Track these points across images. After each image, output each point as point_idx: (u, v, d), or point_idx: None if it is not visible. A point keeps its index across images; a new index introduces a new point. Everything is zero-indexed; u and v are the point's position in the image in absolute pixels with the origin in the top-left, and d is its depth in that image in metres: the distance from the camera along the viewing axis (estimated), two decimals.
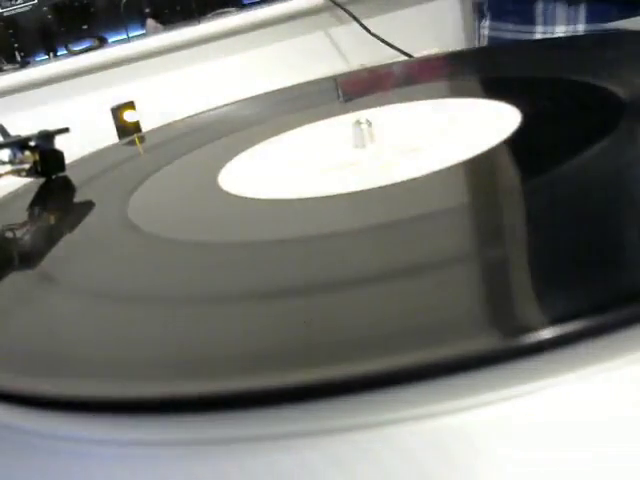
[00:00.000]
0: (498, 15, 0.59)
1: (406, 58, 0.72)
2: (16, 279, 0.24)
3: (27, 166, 0.36)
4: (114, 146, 0.46)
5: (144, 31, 0.84)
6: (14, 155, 0.36)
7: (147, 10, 0.84)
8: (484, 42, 0.61)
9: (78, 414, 0.14)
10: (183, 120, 0.49)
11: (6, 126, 0.39)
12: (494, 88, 0.38)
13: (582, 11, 0.52)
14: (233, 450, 0.12)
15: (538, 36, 0.55)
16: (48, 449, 0.14)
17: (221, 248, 0.23)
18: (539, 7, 0.54)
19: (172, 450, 0.13)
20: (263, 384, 0.13)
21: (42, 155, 0.36)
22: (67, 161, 0.38)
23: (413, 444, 0.11)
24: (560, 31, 0.54)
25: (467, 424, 0.12)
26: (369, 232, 0.21)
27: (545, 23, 0.54)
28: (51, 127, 0.37)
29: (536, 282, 0.15)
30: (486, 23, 0.61)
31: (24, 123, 0.46)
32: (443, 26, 0.85)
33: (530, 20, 0.55)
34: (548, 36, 0.54)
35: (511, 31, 0.57)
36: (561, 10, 0.53)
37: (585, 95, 0.31)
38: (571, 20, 0.53)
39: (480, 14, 0.63)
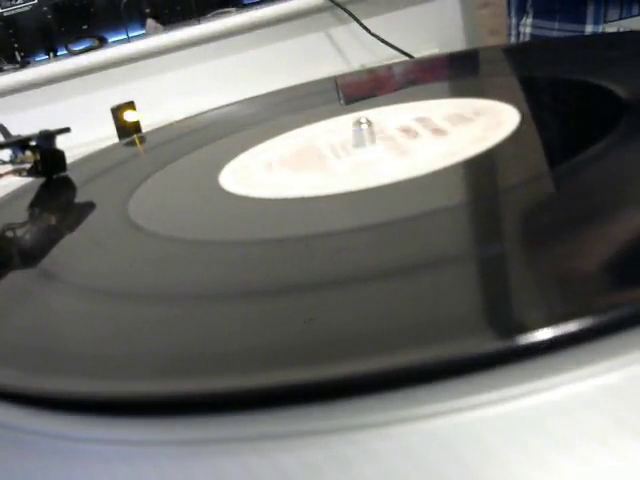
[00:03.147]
0: (543, 13, 0.58)
1: (406, 58, 0.72)
2: (17, 278, 0.24)
3: (28, 166, 0.36)
4: (114, 146, 0.46)
5: (144, 31, 0.84)
6: (15, 155, 0.36)
7: (147, 10, 0.84)
8: (525, 40, 0.60)
9: (78, 414, 0.14)
10: (183, 120, 0.49)
11: (6, 126, 0.39)
12: (493, 88, 0.38)
13: (635, 12, 0.51)
14: (233, 450, 0.12)
15: None
16: (48, 449, 0.14)
17: (222, 247, 0.23)
18: (590, 7, 0.52)
19: (172, 450, 0.13)
20: (264, 383, 0.14)
21: (43, 155, 0.36)
22: (68, 161, 0.38)
23: (417, 443, 0.11)
24: (610, 31, 0.53)
25: (471, 423, 0.12)
26: (369, 232, 0.21)
27: (595, 23, 0.53)
28: (51, 127, 0.37)
29: (538, 282, 0.15)
30: (528, 21, 0.59)
31: (24, 123, 0.46)
32: (443, 26, 0.85)
33: (579, 19, 0.54)
34: None
35: (557, 30, 0.56)
36: (613, 11, 0.52)
37: (585, 95, 0.31)
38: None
39: (520, 12, 0.61)
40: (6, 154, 0.37)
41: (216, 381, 0.14)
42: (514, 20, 0.62)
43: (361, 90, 0.47)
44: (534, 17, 0.59)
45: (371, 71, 0.55)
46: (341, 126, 0.34)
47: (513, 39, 0.63)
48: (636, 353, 0.12)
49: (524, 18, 0.60)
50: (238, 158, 0.34)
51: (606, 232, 0.17)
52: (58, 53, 0.84)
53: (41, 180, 0.37)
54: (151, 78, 0.79)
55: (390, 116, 0.35)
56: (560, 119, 0.29)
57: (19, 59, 0.83)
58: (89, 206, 0.31)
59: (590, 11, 0.53)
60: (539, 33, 0.58)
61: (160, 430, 0.13)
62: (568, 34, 0.55)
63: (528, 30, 0.59)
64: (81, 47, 0.81)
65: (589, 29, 0.53)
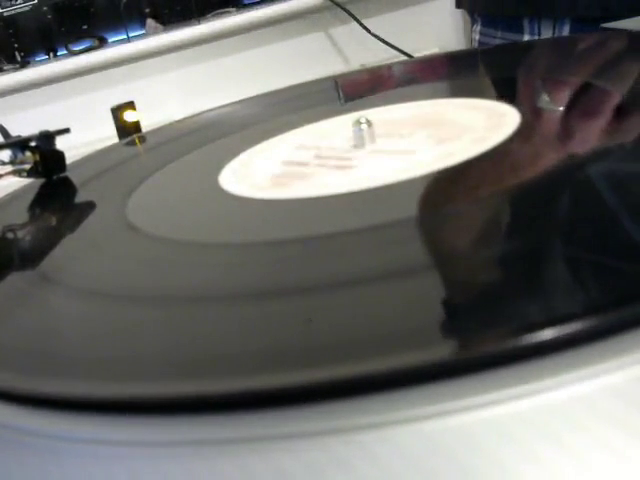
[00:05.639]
0: (488, 22, 0.62)
1: (406, 58, 0.72)
2: (16, 279, 0.24)
3: (28, 166, 0.36)
4: (114, 146, 0.46)
5: (144, 31, 0.84)
6: (15, 155, 0.36)
7: (147, 10, 0.84)
8: (475, 45, 0.64)
9: (78, 414, 0.14)
10: (183, 120, 0.49)
11: (6, 126, 0.39)
12: (494, 88, 0.38)
13: (566, 29, 0.53)
14: (233, 450, 0.12)
15: None
16: (48, 449, 0.14)
17: (221, 248, 0.23)
18: (525, 22, 0.56)
19: (172, 450, 0.13)
20: (264, 384, 0.14)
21: (43, 155, 0.36)
22: (68, 161, 0.38)
23: (415, 444, 0.11)
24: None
25: (469, 425, 0.12)
26: (369, 232, 0.21)
27: (531, 34, 0.56)
28: (51, 127, 0.37)
29: (537, 283, 0.15)
30: (477, 28, 0.63)
31: (24, 123, 0.46)
32: (443, 26, 0.85)
33: (517, 29, 0.57)
34: None
35: (499, 38, 0.60)
36: (546, 26, 0.55)
37: (584, 95, 0.31)
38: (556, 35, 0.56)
39: (472, 19, 0.66)
40: (6, 155, 0.37)
41: (216, 382, 0.14)
42: (470, 26, 0.66)
43: (361, 89, 0.47)
44: (482, 25, 0.63)
45: (371, 71, 0.55)
46: (341, 126, 0.34)
47: (470, 43, 0.67)
48: (636, 353, 0.12)
49: (475, 25, 0.63)
50: (238, 158, 0.34)
51: (605, 232, 0.17)
52: (58, 53, 0.84)
53: (41, 181, 0.37)
54: (151, 78, 0.79)
55: (390, 116, 0.35)
56: (560, 118, 0.29)
57: (19, 59, 0.83)
58: (89, 207, 0.31)
59: (525, 24, 0.56)
60: (484, 40, 0.62)
61: (160, 430, 0.13)
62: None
63: (477, 37, 0.64)
64: (81, 47, 0.81)
65: (526, 38, 0.57)
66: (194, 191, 0.31)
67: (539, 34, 0.55)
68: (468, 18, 0.86)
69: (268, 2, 0.82)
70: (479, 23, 0.63)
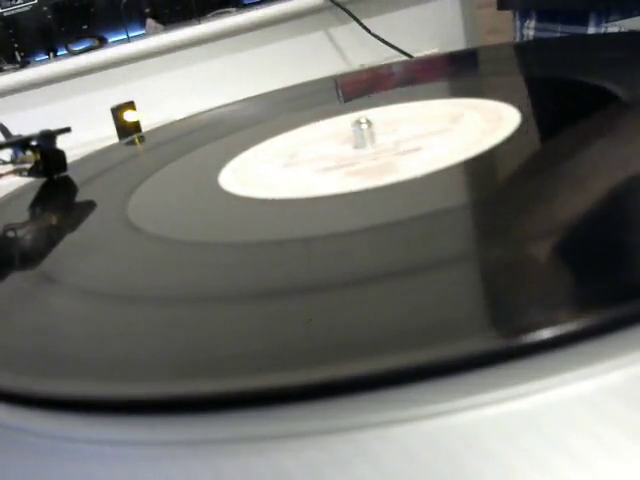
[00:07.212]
0: (546, 16, 0.59)
1: (406, 58, 0.72)
2: (17, 279, 0.24)
3: (29, 166, 0.36)
4: (114, 146, 0.46)
5: (144, 31, 0.84)
6: (16, 155, 0.36)
7: (147, 10, 0.84)
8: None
9: (78, 414, 0.14)
10: (183, 120, 0.49)
11: (7, 126, 0.39)
12: (494, 88, 0.38)
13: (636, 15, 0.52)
14: (233, 450, 0.12)
15: None
16: (48, 449, 0.14)
17: (221, 248, 0.23)
18: (592, 13, 0.54)
19: (172, 450, 0.13)
20: (264, 384, 0.14)
21: (44, 155, 0.36)
22: (68, 161, 0.38)
23: (415, 444, 0.11)
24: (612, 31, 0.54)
25: (470, 424, 0.12)
26: (369, 232, 0.21)
27: (598, 25, 0.54)
28: (51, 127, 0.37)
29: (537, 282, 0.15)
30: (532, 24, 0.61)
31: (24, 123, 0.46)
32: (443, 26, 0.85)
33: (581, 21, 0.54)
34: None
35: (560, 32, 0.57)
36: (614, 17, 0.53)
37: (585, 95, 0.31)
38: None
39: (524, 14, 0.62)
40: (7, 154, 0.37)
41: (216, 382, 0.14)
42: (518, 22, 0.63)
43: (360, 89, 0.47)
44: (537, 20, 0.60)
45: (370, 70, 0.55)
46: (341, 126, 0.34)
47: (518, 41, 0.63)
48: (636, 353, 0.12)
49: (527, 21, 0.61)
50: (238, 158, 0.34)
51: (605, 233, 0.17)
52: (58, 53, 0.84)
53: (42, 180, 0.37)
54: (151, 78, 0.79)
55: (389, 116, 0.35)
56: (559, 119, 0.29)
57: (19, 59, 0.83)
58: (90, 206, 0.31)
59: (592, 16, 0.54)
60: (542, 35, 0.59)
61: (160, 430, 0.13)
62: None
63: (531, 33, 0.60)
64: (81, 47, 0.82)
65: (591, 31, 0.54)
66: (194, 191, 0.31)
67: (606, 21, 0.53)
68: (469, 18, 0.86)
69: (268, 2, 0.82)
70: (534, 18, 0.60)
